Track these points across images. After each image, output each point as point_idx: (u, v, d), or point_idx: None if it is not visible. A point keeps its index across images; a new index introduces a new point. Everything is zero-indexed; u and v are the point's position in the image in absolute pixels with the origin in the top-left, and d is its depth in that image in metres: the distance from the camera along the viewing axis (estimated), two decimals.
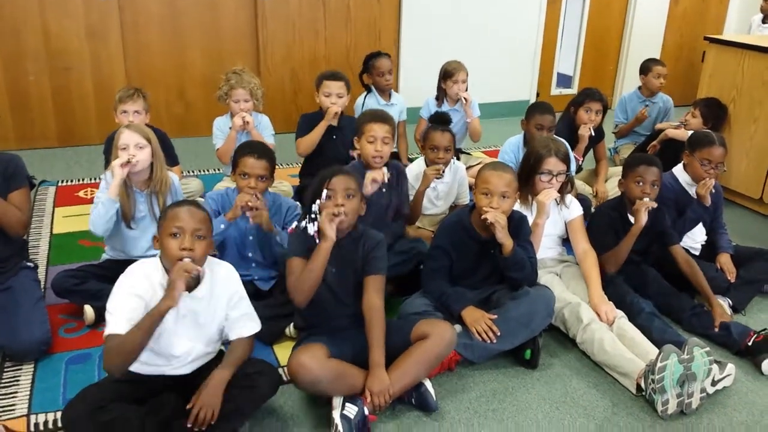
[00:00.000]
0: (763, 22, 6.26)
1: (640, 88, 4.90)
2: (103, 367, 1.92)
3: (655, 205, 2.80)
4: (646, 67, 4.82)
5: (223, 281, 2.08)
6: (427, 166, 3.25)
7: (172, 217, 1.96)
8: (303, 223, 2.25)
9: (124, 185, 2.62)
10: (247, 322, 2.12)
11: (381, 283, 2.32)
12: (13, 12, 4.50)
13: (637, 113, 4.74)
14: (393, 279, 2.82)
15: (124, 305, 1.91)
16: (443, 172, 3.22)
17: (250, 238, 2.76)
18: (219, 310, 2.07)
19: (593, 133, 3.96)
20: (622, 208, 2.94)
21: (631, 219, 2.86)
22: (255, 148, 2.72)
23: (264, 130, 3.71)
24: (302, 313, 2.37)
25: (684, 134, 3.92)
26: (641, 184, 2.82)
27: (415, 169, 3.32)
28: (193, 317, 2.02)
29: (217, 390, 1.97)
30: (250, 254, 2.77)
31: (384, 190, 2.92)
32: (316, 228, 2.20)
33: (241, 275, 2.68)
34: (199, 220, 1.97)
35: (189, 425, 1.91)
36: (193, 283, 2.00)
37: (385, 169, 2.88)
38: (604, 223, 2.94)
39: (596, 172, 4.21)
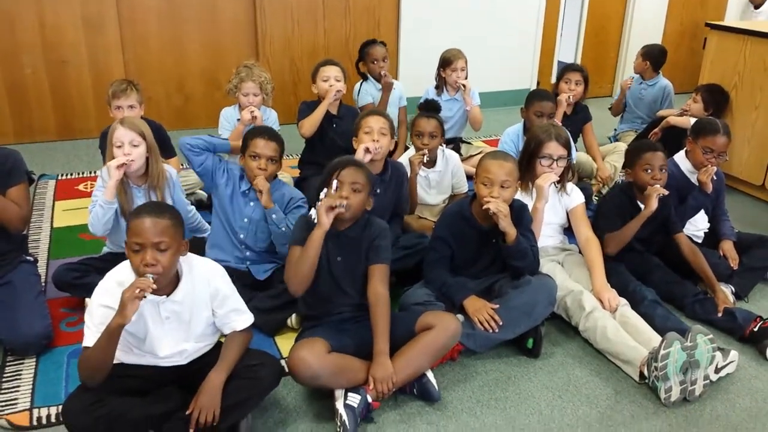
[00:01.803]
0: (756, 8, 6.32)
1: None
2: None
3: (666, 192, 2.79)
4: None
5: (203, 280, 2.03)
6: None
7: (132, 232, 1.88)
8: (312, 214, 2.26)
9: (120, 182, 2.60)
10: (236, 317, 2.09)
11: (385, 272, 2.32)
12: (9, 5, 4.48)
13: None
14: (395, 271, 2.82)
15: (95, 318, 1.89)
16: (428, 158, 3.20)
17: (245, 220, 2.75)
18: (203, 308, 2.04)
19: (571, 100, 3.94)
20: (631, 192, 2.93)
21: (640, 204, 2.86)
22: (266, 131, 2.74)
23: (271, 125, 3.70)
24: (305, 300, 2.37)
25: (686, 122, 3.91)
26: (650, 171, 2.81)
27: (405, 159, 3.31)
28: (176, 317, 2.00)
29: (215, 392, 1.96)
30: (242, 236, 2.76)
31: (379, 191, 2.91)
32: (316, 215, 2.21)
33: (235, 264, 2.70)
34: (161, 231, 1.87)
35: (191, 430, 1.91)
36: (170, 287, 1.97)
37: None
38: (614, 204, 2.93)
39: (590, 154, 4.12)
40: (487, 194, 2.47)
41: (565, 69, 4.10)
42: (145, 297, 1.82)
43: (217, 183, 2.77)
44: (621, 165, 3.91)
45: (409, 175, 3.15)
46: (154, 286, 1.82)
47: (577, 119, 4.08)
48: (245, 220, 2.75)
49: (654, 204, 2.76)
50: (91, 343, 1.86)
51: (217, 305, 2.06)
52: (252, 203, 2.74)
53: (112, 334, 1.83)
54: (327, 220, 2.17)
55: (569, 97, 3.92)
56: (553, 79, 6.46)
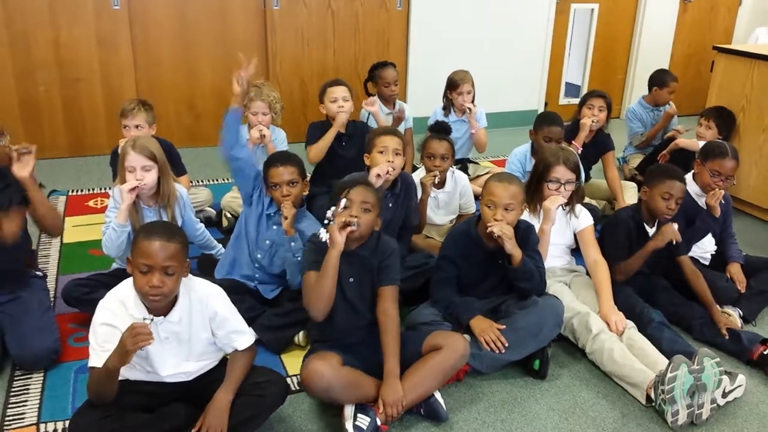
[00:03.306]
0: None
1: (644, 97, 4.88)
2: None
3: (680, 239, 2.77)
4: (662, 81, 4.79)
5: (201, 302, 2.02)
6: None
7: (141, 252, 1.86)
8: (320, 233, 2.24)
9: (132, 203, 2.61)
10: (237, 338, 2.08)
11: (395, 293, 2.32)
12: (25, 24, 4.55)
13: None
14: (402, 291, 2.82)
15: (98, 337, 1.90)
16: (439, 179, 3.21)
17: (267, 242, 2.76)
18: (201, 329, 2.04)
19: (594, 126, 3.89)
20: (639, 216, 2.92)
21: (647, 227, 2.85)
22: (279, 157, 2.74)
23: (279, 144, 3.72)
24: (317, 324, 2.36)
25: (694, 144, 3.91)
26: (668, 199, 2.78)
27: (415, 180, 3.32)
28: (175, 338, 2.00)
29: (222, 412, 1.97)
30: (258, 255, 2.77)
31: (390, 205, 2.92)
32: (329, 235, 2.19)
33: (244, 281, 2.71)
34: (170, 255, 1.86)
35: None
36: (167, 307, 1.97)
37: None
38: (620, 233, 2.89)
39: (611, 189, 4.00)
40: (491, 217, 2.47)
41: (589, 95, 4.04)
42: (141, 349, 1.82)
43: (252, 200, 2.79)
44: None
45: (419, 191, 3.16)
46: (152, 340, 1.81)
47: (596, 149, 4.00)
48: (267, 242, 2.76)
49: (662, 242, 2.75)
50: (96, 364, 1.87)
51: (216, 327, 2.05)
52: (275, 227, 2.76)
53: (110, 373, 1.84)
54: (341, 239, 2.14)
55: (593, 122, 3.88)
56: (561, 100, 6.50)
